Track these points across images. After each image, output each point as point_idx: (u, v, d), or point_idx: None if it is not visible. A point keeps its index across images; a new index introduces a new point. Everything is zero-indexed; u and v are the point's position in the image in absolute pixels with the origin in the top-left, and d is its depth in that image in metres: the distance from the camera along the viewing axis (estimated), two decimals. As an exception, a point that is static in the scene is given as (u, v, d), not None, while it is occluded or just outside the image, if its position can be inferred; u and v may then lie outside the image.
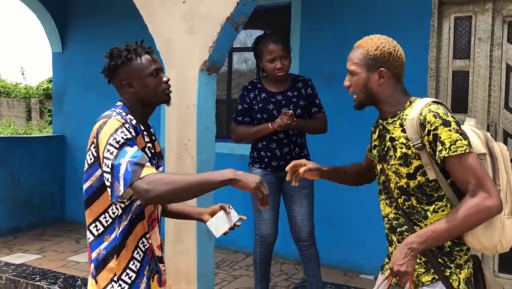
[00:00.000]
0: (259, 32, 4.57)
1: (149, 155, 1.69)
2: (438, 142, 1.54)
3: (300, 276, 3.84)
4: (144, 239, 1.69)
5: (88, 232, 1.68)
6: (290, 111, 2.84)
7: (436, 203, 1.61)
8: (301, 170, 1.92)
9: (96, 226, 1.66)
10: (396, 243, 1.70)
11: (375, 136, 1.80)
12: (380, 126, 1.75)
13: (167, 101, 1.75)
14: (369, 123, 4.36)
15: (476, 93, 3.54)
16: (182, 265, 2.91)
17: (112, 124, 1.56)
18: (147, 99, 1.72)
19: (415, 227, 1.63)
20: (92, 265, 1.66)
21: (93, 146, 1.59)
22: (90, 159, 1.61)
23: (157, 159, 1.78)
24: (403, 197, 1.66)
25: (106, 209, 1.64)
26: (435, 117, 1.55)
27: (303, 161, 1.94)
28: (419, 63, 3.65)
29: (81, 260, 4.20)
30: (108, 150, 1.52)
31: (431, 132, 1.55)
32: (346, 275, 3.90)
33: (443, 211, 1.61)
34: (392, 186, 1.69)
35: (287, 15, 4.29)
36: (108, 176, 1.52)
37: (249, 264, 4.16)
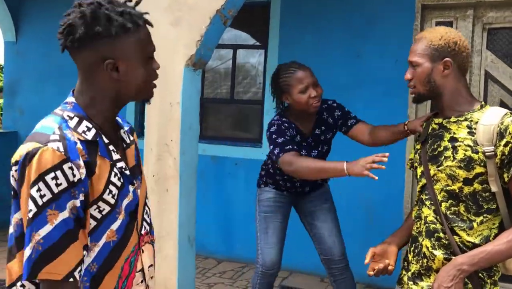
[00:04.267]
0: (234, 31, 4.41)
1: (118, 184, 1.16)
2: None
3: (277, 284, 3.71)
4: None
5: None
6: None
7: (484, 215, 1.52)
8: (390, 268, 1.71)
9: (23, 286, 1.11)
10: (429, 248, 1.59)
11: (419, 139, 1.73)
12: (436, 126, 1.65)
13: (149, 98, 1.26)
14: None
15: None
16: (161, 274, 2.71)
17: (44, 161, 1.03)
18: (128, 94, 1.18)
19: (454, 236, 1.54)
20: None
21: (12, 176, 1.09)
22: (12, 195, 1.11)
23: (134, 181, 1.23)
24: (450, 201, 1.56)
25: None
26: None
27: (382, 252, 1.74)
28: (402, 66, 3.62)
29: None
30: (29, 204, 1.04)
31: (509, 144, 1.47)
32: (323, 281, 3.81)
33: (487, 222, 1.53)
34: (437, 188, 1.58)
35: (266, 12, 4.15)
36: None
37: (222, 271, 3.99)
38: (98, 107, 1.17)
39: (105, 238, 1.14)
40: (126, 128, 1.29)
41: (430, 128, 1.67)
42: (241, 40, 4.47)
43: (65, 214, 1.04)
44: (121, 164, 1.19)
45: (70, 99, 1.18)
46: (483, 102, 1.63)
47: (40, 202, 1.02)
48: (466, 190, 1.53)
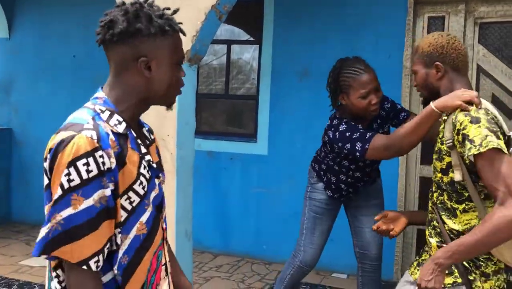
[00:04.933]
0: (228, 26, 4.42)
1: (147, 175, 1.19)
2: (466, 141, 1.48)
3: (274, 276, 3.75)
4: None
5: (55, 276, 1.15)
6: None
7: (466, 203, 1.57)
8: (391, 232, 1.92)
9: (58, 276, 1.14)
10: (428, 237, 1.69)
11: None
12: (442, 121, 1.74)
13: (172, 104, 1.29)
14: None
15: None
16: (159, 268, 2.73)
17: (77, 147, 1.06)
18: (155, 95, 1.22)
19: (444, 224, 1.61)
20: None
21: (47, 165, 1.10)
22: (45, 181, 1.13)
23: (160, 174, 1.28)
24: (438, 191, 1.66)
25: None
26: (465, 116, 1.53)
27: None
28: (394, 61, 3.67)
29: (35, 264, 3.86)
30: (56, 188, 1.06)
31: (460, 132, 1.52)
32: (318, 274, 3.85)
33: (473, 211, 1.56)
34: (432, 179, 1.70)
35: (260, 8, 4.17)
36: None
37: (218, 264, 4.02)
38: (127, 103, 1.20)
39: (135, 230, 1.16)
40: (146, 128, 1.34)
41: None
42: (236, 35, 4.48)
43: (89, 202, 1.05)
44: (148, 157, 1.22)
45: (101, 94, 1.21)
46: None
47: (66, 186, 1.05)
48: (445, 179, 1.60)
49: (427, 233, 1.70)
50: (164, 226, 1.32)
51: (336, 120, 2.36)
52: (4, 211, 5.17)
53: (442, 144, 1.61)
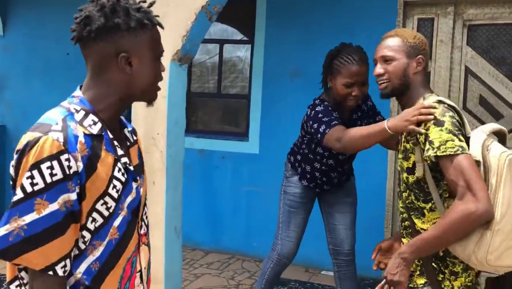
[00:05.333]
0: (220, 25, 4.46)
1: (122, 179, 1.14)
2: (427, 142, 1.52)
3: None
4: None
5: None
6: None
7: (432, 202, 1.58)
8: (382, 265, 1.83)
9: (20, 284, 1.11)
10: (402, 237, 1.71)
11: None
12: None
13: (154, 100, 1.24)
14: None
15: (437, 93, 3.64)
16: (148, 265, 2.77)
17: (41, 150, 1.02)
18: (137, 91, 1.17)
19: (414, 225, 1.63)
20: None
21: (12, 167, 1.07)
22: (11, 186, 1.09)
23: (138, 177, 1.22)
24: (407, 191, 1.66)
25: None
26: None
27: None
28: (384, 62, 3.71)
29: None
30: (18, 190, 1.02)
31: (424, 132, 1.55)
32: (308, 271, 3.90)
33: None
34: (401, 179, 1.70)
35: (253, 8, 4.21)
36: None
37: (209, 262, 4.06)
38: (106, 102, 1.15)
39: (108, 236, 1.13)
40: (129, 128, 1.29)
41: None
42: (228, 34, 4.52)
43: (54, 206, 1.02)
44: (125, 159, 1.17)
45: (77, 93, 1.17)
46: (428, 94, 1.68)
47: (29, 189, 1.01)
48: (411, 179, 1.62)
49: (401, 233, 1.71)
50: (141, 231, 1.26)
51: (318, 101, 2.49)
52: (-3, 207, 5.20)
53: (407, 142, 1.63)
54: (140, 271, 1.26)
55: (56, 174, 1.02)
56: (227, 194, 4.29)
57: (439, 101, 1.60)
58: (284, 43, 4.11)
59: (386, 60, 1.68)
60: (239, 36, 4.54)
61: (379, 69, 1.70)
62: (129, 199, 1.17)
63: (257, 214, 4.18)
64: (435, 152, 1.48)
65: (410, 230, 1.65)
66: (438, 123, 1.51)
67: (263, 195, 4.16)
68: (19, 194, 1.02)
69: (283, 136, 4.11)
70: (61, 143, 1.04)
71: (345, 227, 2.72)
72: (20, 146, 1.06)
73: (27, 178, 1.01)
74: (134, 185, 1.20)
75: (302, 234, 2.77)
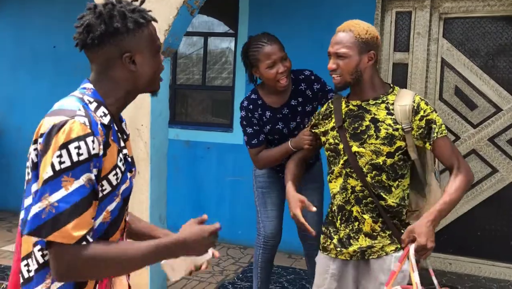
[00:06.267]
0: (205, 18, 4.53)
1: (122, 168, 1.23)
2: (432, 125, 1.75)
3: (247, 260, 3.92)
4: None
5: (25, 264, 1.19)
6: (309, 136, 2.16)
7: (399, 180, 1.81)
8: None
9: (28, 264, 1.17)
10: (360, 213, 1.83)
11: (332, 120, 1.92)
12: (354, 108, 1.85)
13: (157, 90, 1.34)
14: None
15: (414, 85, 3.77)
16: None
17: (69, 131, 1.10)
18: (141, 85, 1.27)
19: (379, 201, 1.80)
20: None
21: (35, 150, 1.14)
22: (31, 165, 1.16)
23: (132, 169, 1.33)
24: (374, 172, 1.80)
25: None
26: (427, 105, 1.80)
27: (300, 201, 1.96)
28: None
29: (16, 250, 3.97)
30: (46, 170, 1.08)
31: (424, 118, 1.76)
32: (290, 257, 4.02)
33: (400, 186, 1.82)
34: (362, 162, 1.81)
35: (235, 2, 4.27)
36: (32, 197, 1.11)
37: (195, 249, 4.17)
38: (114, 96, 1.24)
39: (101, 218, 1.19)
40: (124, 122, 1.37)
41: (345, 110, 1.88)
42: (213, 27, 4.59)
43: (80, 182, 1.09)
44: (125, 151, 1.27)
45: (89, 85, 1.24)
46: (392, 85, 1.90)
47: (57, 168, 1.08)
48: (388, 161, 1.80)
49: (358, 210, 1.83)
50: (127, 218, 1.36)
51: (243, 102, 2.60)
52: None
53: (395, 130, 1.78)
54: None
55: (82, 154, 1.09)
56: (212, 184, 4.39)
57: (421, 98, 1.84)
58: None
59: (339, 56, 1.78)
60: (223, 28, 4.61)
61: (332, 64, 1.82)
62: (123, 187, 1.25)
63: (241, 203, 4.28)
64: (442, 133, 1.77)
65: (372, 206, 1.81)
66: (435, 110, 1.81)
67: (247, 185, 4.24)
68: (48, 172, 1.08)
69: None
70: (88, 127, 1.12)
71: (312, 214, 2.77)
72: (44, 129, 1.13)
73: (57, 156, 1.08)
74: (129, 175, 1.28)
75: (281, 213, 2.81)
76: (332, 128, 1.90)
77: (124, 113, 2.92)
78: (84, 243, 1.10)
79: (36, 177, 1.13)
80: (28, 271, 1.18)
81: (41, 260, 1.16)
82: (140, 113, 2.80)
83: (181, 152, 4.40)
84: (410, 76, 3.78)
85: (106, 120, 1.20)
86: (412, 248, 1.63)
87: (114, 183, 1.20)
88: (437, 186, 1.86)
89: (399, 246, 1.79)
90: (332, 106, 1.96)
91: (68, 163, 1.08)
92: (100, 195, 1.18)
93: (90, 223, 1.11)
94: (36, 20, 4.95)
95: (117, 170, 1.21)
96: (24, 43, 5.04)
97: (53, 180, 1.07)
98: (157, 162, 2.85)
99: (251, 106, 2.57)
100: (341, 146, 1.85)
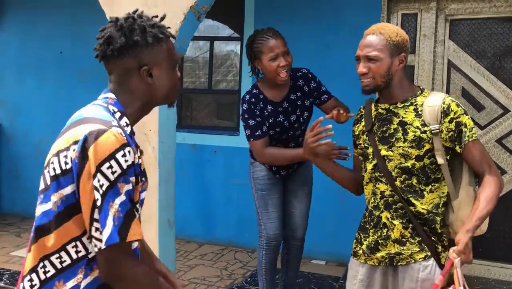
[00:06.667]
0: (211, 22, 4.55)
1: (140, 177, 1.27)
2: (463, 128, 1.71)
3: (255, 263, 3.91)
4: None
5: (28, 280, 1.20)
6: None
7: (432, 184, 1.75)
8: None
9: (44, 266, 1.19)
10: (389, 219, 1.78)
11: (362, 124, 1.89)
12: (383, 111, 1.82)
13: (174, 102, 1.40)
14: (323, 113, 4.45)
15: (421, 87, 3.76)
16: (143, 256, 2.88)
17: (113, 142, 1.13)
18: (158, 98, 1.31)
19: (409, 206, 1.75)
20: None
21: (70, 156, 1.15)
22: (57, 171, 1.17)
23: (145, 180, 1.35)
24: (403, 176, 1.76)
25: (65, 245, 1.17)
26: (458, 106, 1.73)
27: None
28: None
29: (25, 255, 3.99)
30: (99, 180, 1.12)
31: (454, 120, 1.70)
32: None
33: (436, 191, 1.75)
34: (391, 166, 1.77)
35: (241, 4, 4.29)
36: (96, 212, 1.15)
37: (203, 253, 4.18)
38: (133, 107, 1.28)
39: None
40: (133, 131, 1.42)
41: (374, 114, 1.86)
42: (218, 30, 4.61)
43: (129, 186, 1.15)
44: (140, 161, 1.30)
45: (111, 95, 1.27)
46: (421, 87, 1.85)
47: (112, 177, 1.12)
48: (418, 165, 1.74)
49: (387, 216, 1.78)
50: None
51: (245, 96, 2.69)
52: (-3, 202, 5.28)
53: (423, 132, 1.72)
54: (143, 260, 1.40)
55: (128, 160, 1.15)
56: (219, 187, 4.40)
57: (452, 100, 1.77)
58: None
59: (370, 59, 1.73)
60: (229, 32, 4.62)
61: (362, 68, 1.75)
62: (143, 195, 1.31)
63: (248, 206, 4.26)
64: (472, 137, 1.71)
65: (402, 212, 1.76)
66: (466, 113, 1.74)
67: (254, 188, 4.27)
68: (105, 183, 1.13)
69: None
70: (124, 137, 1.17)
71: (301, 215, 2.89)
72: (77, 137, 1.16)
73: (107, 168, 1.12)
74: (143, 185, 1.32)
75: (281, 215, 2.87)
76: (363, 132, 1.89)
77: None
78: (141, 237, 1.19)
79: (64, 182, 1.15)
80: (32, 286, 1.20)
81: (43, 277, 1.19)
82: (148, 118, 2.75)
83: (188, 155, 4.41)
84: (416, 78, 3.77)
85: (128, 129, 1.25)
86: (458, 261, 1.62)
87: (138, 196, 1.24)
88: (470, 202, 1.73)
89: (428, 254, 1.74)
90: (362, 110, 1.94)
91: (119, 171, 1.13)
92: (139, 209, 1.26)
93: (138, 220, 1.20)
94: (42, 27, 4.99)
95: (139, 180, 1.25)
96: (30, 50, 5.08)
97: (112, 189, 1.12)
98: (165, 166, 2.86)
99: (253, 99, 2.66)
100: (370, 150, 1.83)
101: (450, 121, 1.70)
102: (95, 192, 1.12)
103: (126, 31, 1.24)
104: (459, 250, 1.63)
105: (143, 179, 1.33)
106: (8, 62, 5.26)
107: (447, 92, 3.76)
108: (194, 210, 4.47)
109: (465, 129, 1.70)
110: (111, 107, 1.24)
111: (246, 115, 2.63)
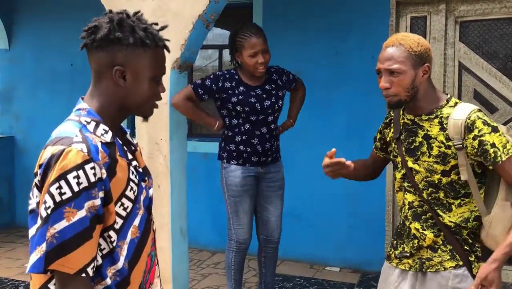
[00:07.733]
0: (219, 30, 4.57)
1: (135, 180, 1.22)
2: (489, 149, 1.58)
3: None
4: None
5: None
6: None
7: (462, 198, 1.68)
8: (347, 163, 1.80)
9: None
10: (419, 230, 1.74)
11: (391, 130, 1.84)
12: (409, 122, 1.76)
13: (148, 116, 1.30)
14: (334, 119, 4.44)
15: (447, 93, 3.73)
16: (156, 265, 2.88)
17: (69, 160, 1.07)
18: (131, 105, 1.23)
19: (438, 217, 1.70)
20: None
21: (37, 181, 1.13)
22: (36, 196, 1.14)
23: (146, 178, 1.30)
24: (430, 189, 1.70)
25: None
26: (484, 124, 1.60)
27: (342, 159, 1.80)
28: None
29: (40, 266, 4.02)
30: (45, 201, 1.07)
31: (478, 138, 1.60)
32: (312, 268, 3.99)
33: (466, 205, 1.68)
34: (418, 178, 1.72)
35: (249, 13, 4.31)
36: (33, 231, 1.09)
37: (216, 262, 4.16)
38: (107, 112, 1.21)
39: (130, 234, 1.20)
40: (128, 132, 1.36)
41: (402, 122, 1.79)
42: (227, 39, 4.62)
43: (82, 213, 1.07)
44: (135, 163, 1.25)
45: (83, 105, 1.22)
46: (448, 95, 1.74)
47: (58, 199, 1.06)
48: (444, 180, 1.67)
49: (417, 226, 1.74)
50: (153, 227, 1.36)
51: (224, 71, 2.95)
52: (9, 217, 5.33)
53: (448, 148, 1.64)
54: (158, 264, 1.36)
55: (81, 183, 1.07)
56: (231, 195, 4.38)
57: (479, 110, 1.66)
58: (280, 47, 4.19)
59: (392, 72, 1.63)
60: (237, 40, 4.63)
61: (384, 82, 1.64)
62: (142, 197, 1.26)
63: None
64: (506, 155, 1.57)
65: (432, 222, 1.71)
66: (495, 129, 1.60)
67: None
68: (50, 205, 1.07)
69: (282, 138, 4.20)
70: (86, 153, 1.10)
71: (276, 219, 3.02)
72: (43, 160, 1.11)
73: (56, 188, 1.06)
74: (143, 184, 1.28)
75: (251, 220, 3.01)
76: (392, 139, 1.84)
77: (143, 128, 2.94)
78: (83, 275, 1.09)
79: (35, 218, 1.11)
80: None
81: None
82: (158, 127, 2.82)
83: (199, 164, 4.41)
84: (427, 81, 3.74)
85: (108, 137, 1.18)
86: None
87: (132, 197, 1.21)
88: (504, 219, 1.62)
89: (460, 263, 1.68)
90: (392, 114, 1.87)
91: (69, 194, 1.06)
92: (124, 213, 1.19)
93: (91, 253, 1.11)
94: (55, 40, 5.06)
95: (132, 183, 1.21)
96: (43, 63, 5.15)
97: (55, 212, 1.06)
98: (177, 175, 2.87)
99: (227, 75, 2.89)
100: (398, 159, 1.77)
101: (474, 138, 1.60)
102: (42, 211, 1.08)
103: (112, 25, 1.18)
104: (475, 285, 1.56)
105: (145, 178, 1.30)
106: (20, 76, 5.33)
107: (459, 94, 3.72)
108: (207, 219, 4.46)
109: (494, 149, 1.57)
110: (83, 119, 1.18)
111: (211, 76, 2.87)
